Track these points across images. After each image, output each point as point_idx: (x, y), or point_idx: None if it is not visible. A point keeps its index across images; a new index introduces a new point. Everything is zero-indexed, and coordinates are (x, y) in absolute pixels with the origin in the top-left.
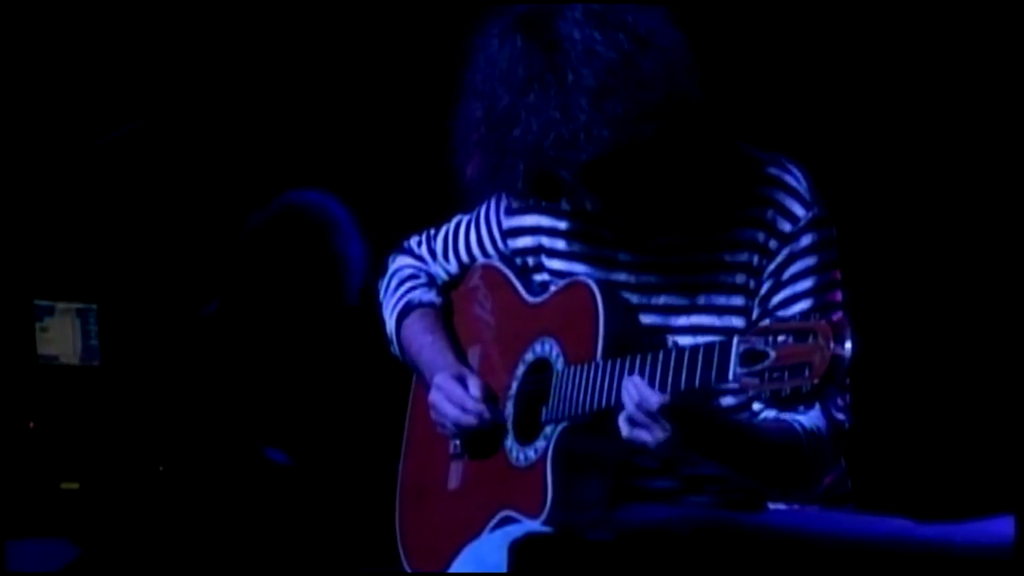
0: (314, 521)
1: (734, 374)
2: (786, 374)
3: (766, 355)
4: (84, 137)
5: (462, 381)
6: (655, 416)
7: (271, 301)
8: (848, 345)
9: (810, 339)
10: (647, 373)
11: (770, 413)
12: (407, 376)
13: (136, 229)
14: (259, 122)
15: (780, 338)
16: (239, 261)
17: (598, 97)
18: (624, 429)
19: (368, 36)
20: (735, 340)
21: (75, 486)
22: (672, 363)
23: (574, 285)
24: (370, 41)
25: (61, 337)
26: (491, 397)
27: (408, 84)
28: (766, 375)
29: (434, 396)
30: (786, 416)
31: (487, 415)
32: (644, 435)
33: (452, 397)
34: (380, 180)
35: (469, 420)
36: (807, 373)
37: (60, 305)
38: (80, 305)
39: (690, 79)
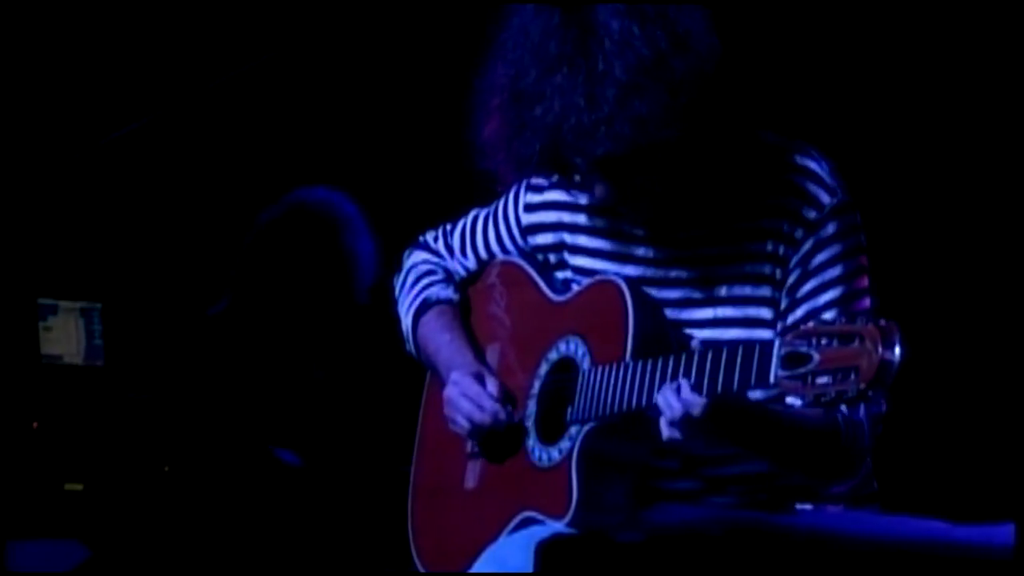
0: (325, 522)
1: (775, 377)
2: (830, 377)
3: (809, 358)
4: (89, 134)
5: (480, 379)
6: (697, 420)
7: (280, 299)
8: (897, 350)
9: (856, 342)
10: (681, 375)
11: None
12: (419, 375)
13: (142, 227)
14: (267, 118)
15: (824, 340)
16: (248, 259)
17: (625, 92)
18: (665, 432)
19: (378, 30)
20: (776, 342)
21: (79, 487)
22: (708, 364)
23: (602, 283)
24: (380, 35)
25: (65, 336)
26: (508, 399)
27: (418, 79)
28: (809, 378)
29: (450, 392)
30: None
31: (502, 415)
32: (683, 436)
33: (468, 393)
34: (390, 176)
35: (483, 418)
36: (853, 377)
37: (64, 304)
38: (84, 304)
39: (721, 88)
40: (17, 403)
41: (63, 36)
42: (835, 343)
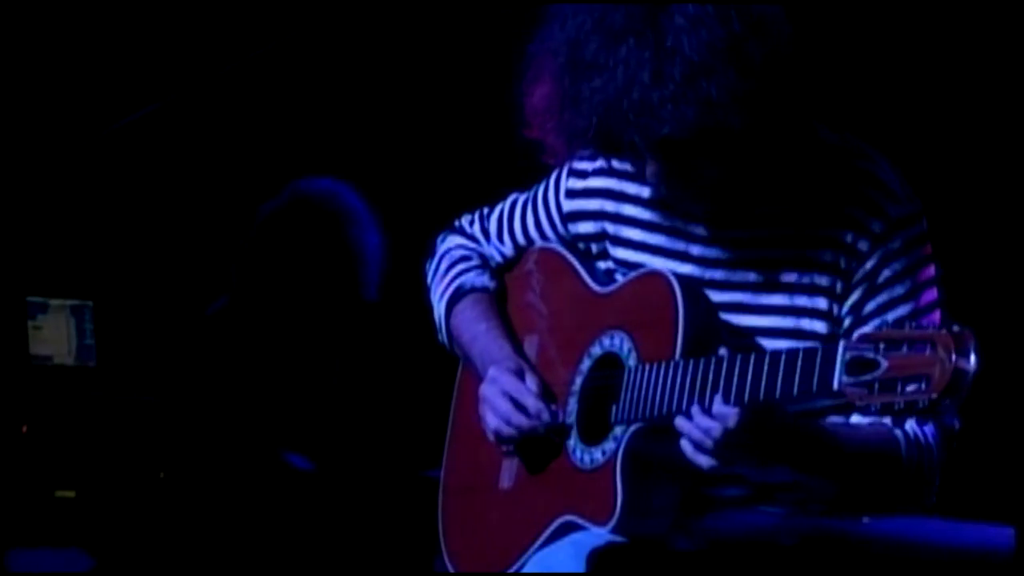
0: (339, 532)
1: (839, 383)
2: (900, 386)
3: (876, 364)
4: (81, 127)
5: (520, 375)
6: (725, 441)
7: (283, 297)
8: (973, 358)
9: (928, 349)
10: (736, 377)
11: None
12: (437, 372)
13: (136, 221)
14: (268, 107)
15: (892, 346)
16: (248, 255)
17: (694, 72)
18: (688, 451)
19: (386, 12)
20: (840, 345)
21: (71, 494)
22: (766, 367)
23: (650, 276)
24: (387, 17)
25: (55, 336)
26: (548, 395)
27: (425, 65)
28: (876, 386)
29: (487, 390)
30: (885, 420)
31: (546, 415)
32: (707, 460)
33: (508, 391)
34: (397, 166)
35: (521, 419)
36: (924, 386)
37: (54, 302)
38: (75, 302)
39: (792, 78)
40: (5, 406)
41: (54, 31)
42: (905, 349)
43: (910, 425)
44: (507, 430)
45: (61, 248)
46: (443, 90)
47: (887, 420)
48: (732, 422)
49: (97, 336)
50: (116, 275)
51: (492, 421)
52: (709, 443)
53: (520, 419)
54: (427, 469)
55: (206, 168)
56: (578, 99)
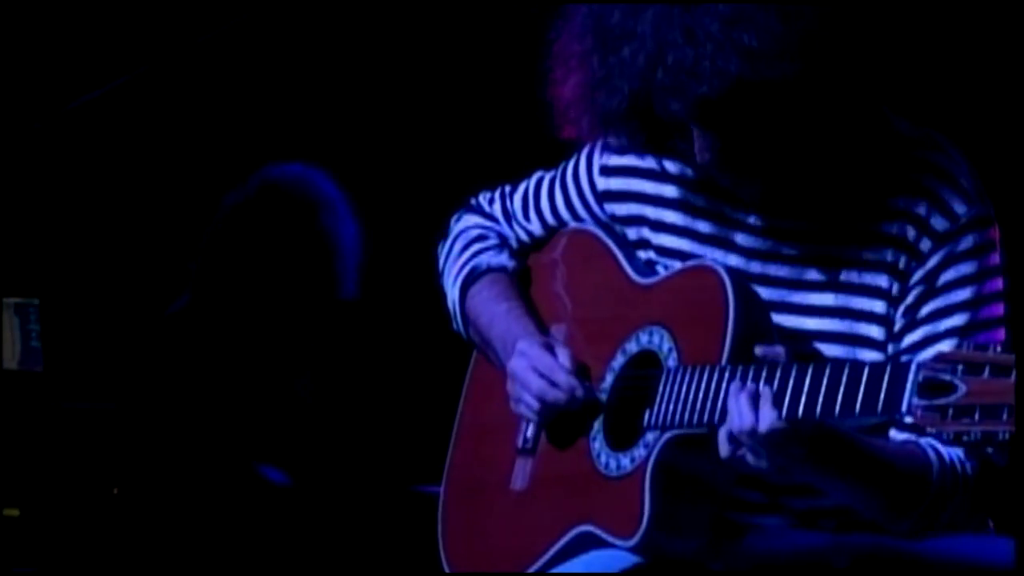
0: (318, 552)
1: (909, 406)
2: (977, 414)
3: (952, 388)
4: (27, 109)
5: (549, 350)
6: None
7: (250, 295)
8: None
9: (1012, 376)
10: (790, 388)
11: (898, 437)
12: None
13: (87, 211)
14: (231, 87)
15: (973, 369)
16: (211, 248)
17: (730, 24)
18: (724, 450)
19: None
20: (913, 364)
21: (15, 512)
22: (825, 380)
23: (699, 269)
24: None
25: None
26: (583, 371)
27: (406, 37)
28: (950, 412)
29: (516, 364)
30: (921, 441)
31: (580, 392)
32: (751, 458)
33: (539, 366)
34: (374, 148)
35: (557, 395)
36: (1005, 416)
37: None
38: (19, 300)
39: (842, 20)
40: None
41: None
42: (986, 374)
43: (948, 449)
44: (534, 407)
45: (3, 241)
46: (422, 64)
47: (924, 440)
48: (766, 425)
49: (44, 338)
50: (65, 271)
51: (522, 401)
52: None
53: (555, 393)
54: (418, 484)
55: (164, 153)
56: (608, 76)
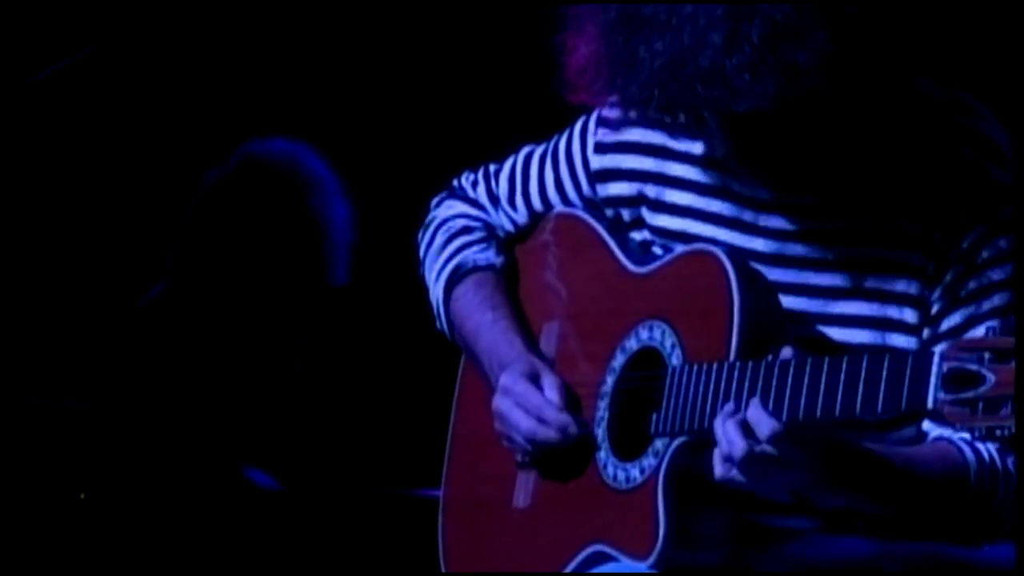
0: (308, 560)
1: (934, 400)
2: (1009, 406)
3: (980, 379)
4: None
5: (535, 380)
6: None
7: (231, 282)
8: None
9: None
10: (806, 387)
11: (932, 431)
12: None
13: (51, 192)
14: (211, 57)
15: (1001, 357)
16: (190, 232)
17: (776, 34)
18: (719, 470)
19: None
20: (936, 354)
21: None
22: (843, 375)
23: (697, 254)
24: None
25: None
26: (573, 402)
27: (397, 8)
28: (980, 406)
29: (500, 403)
30: (955, 437)
31: (573, 429)
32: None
33: (526, 404)
34: (363, 122)
35: (548, 434)
36: None
37: None
38: None
39: (893, 34)
40: None
41: None
42: (1015, 362)
43: (986, 448)
44: (530, 448)
45: None
46: (414, 34)
47: (955, 435)
48: (766, 431)
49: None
50: (23, 260)
51: (511, 440)
52: (738, 454)
53: (546, 433)
54: (415, 487)
55: (136, 128)
56: (634, 61)
